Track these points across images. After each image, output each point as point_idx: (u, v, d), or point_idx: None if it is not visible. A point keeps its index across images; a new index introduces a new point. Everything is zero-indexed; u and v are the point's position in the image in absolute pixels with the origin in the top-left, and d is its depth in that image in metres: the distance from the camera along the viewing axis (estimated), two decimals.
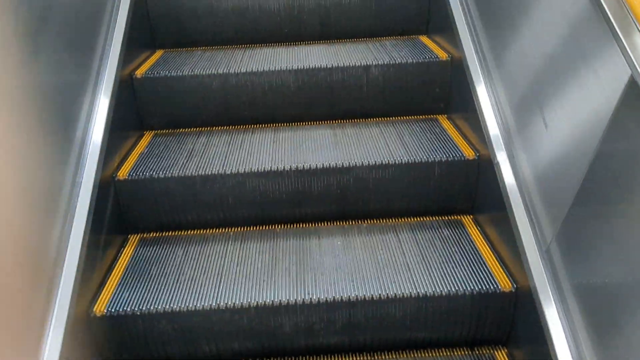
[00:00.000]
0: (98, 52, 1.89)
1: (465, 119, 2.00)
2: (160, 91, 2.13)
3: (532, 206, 1.52)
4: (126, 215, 1.88)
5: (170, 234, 1.93)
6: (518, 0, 1.71)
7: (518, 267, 1.53)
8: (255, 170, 1.86)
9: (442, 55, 2.14)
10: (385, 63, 2.13)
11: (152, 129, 2.20)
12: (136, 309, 1.56)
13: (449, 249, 1.78)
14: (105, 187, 1.75)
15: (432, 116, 2.22)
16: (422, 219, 1.95)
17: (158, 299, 1.59)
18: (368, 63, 2.13)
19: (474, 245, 1.79)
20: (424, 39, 2.44)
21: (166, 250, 1.83)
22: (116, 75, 1.91)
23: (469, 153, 1.87)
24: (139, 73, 2.11)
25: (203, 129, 2.21)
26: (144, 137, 2.15)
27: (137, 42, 2.21)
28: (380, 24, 2.47)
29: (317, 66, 2.13)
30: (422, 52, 2.21)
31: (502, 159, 1.67)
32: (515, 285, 1.57)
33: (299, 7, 2.43)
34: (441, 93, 2.18)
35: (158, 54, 2.42)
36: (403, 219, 1.95)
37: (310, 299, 1.58)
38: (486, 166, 1.79)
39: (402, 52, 2.22)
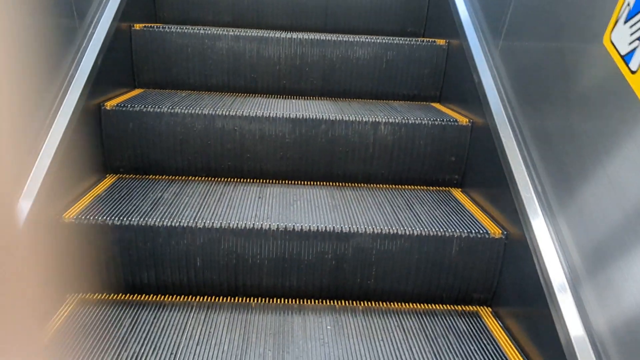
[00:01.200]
0: (60, 76, 1.57)
1: (489, 193, 1.70)
2: (132, 128, 1.80)
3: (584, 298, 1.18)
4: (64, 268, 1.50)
5: (119, 297, 1.53)
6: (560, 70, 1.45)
7: None
8: (234, 227, 1.50)
9: (462, 119, 1.86)
10: (397, 122, 1.84)
11: (117, 172, 1.86)
12: None
13: (466, 347, 1.41)
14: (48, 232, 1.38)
15: (445, 189, 1.92)
16: (431, 306, 1.59)
17: None
18: (377, 120, 1.84)
19: (496, 344, 1.43)
20: (438, 105, 2.19)
21: (112, 316, 1.43)
22: (78, 104, 1.58)
23: (494, 231, 1.54)
24: (109, 105, 1.79)
25: (176, 177, 1.87)
26: (104, 180, 1.80)
27: (112, 74, 1.91)
28: (391, 85, 2.22)
29: (318, 117, 1.83)
30: (438, 115, 1.94)
31: (544, 241, 1.34)
32: None
33: (301, 57, 2.17)
34: (457, 162, 1.89)
35: (137, 91, 2.11)
36: (408, 305, 1.59)
37: None
38: (517, 248, 1.47)
39: (415, 114, 1.94)
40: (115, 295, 1.54)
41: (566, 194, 1.30)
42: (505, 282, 1.54)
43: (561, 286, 1.25)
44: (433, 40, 2.18)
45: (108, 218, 1.48)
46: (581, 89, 1.28)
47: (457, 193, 1.88)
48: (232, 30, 2.13)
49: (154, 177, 1.86)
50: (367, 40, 2.16)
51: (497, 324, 1.52)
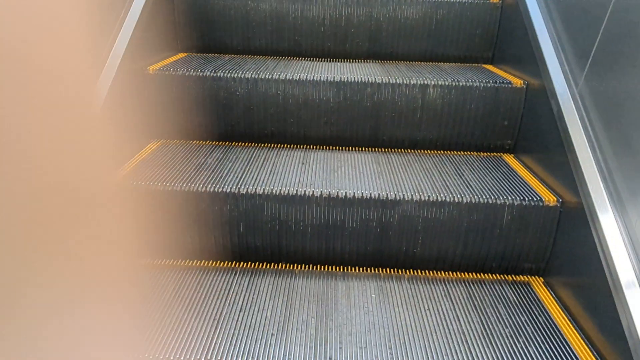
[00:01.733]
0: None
1: (544, 159, 1.61)
2: (174, 92, 1.78)
3: None
4: None
5: (162, 262, 1.54)
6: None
7: None
8: (277, 193, 1.47)
9: (516, 81, 1.76)
10: (447, 84, 1.76)
11: (160, 138, 1.85)
12: None
13: (516, 318, 1.35)
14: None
15: (496, 154, 1.83)
16: (480, 275, 1.54)
17: None
18: (426, 82, 1.76)
19: (548, 315, 1.37)
20: (490, 67, 2.08)
21: (156, 280, 1.44)
22: (120, 66, 1.57)
23: (549, 198, 1.46)
24: (153, 69, 1.77)
25: (219, 143, 1.85)
26: (148, 146, 1.79)
27: (154, 37, 1.89)
28: (441, 46, 2.12)
29: (363, 80, 1.77)
30: (490, 76, 1.84)
31: (601, 209, 1.26)
32: None
33: (347, 18, 2.09)
34: (510, 127, 1.80)
35: (180, 55, 2.09)
36: (456, 274, 1.54)
37: None
38: (573, 216, 1.39)
39: (466, 75, 1.85)
40: (159, 261, 1.54)
41: (629, 161, 1.21)
42: (559, 251, 1.46)
43: (621, 257, 1.17)
44: None
45: (153, 183, 1.48)
46: None
47: (510, 159, 1.79)
48: None
49: (197, 142, 1.85)
50: None
51: (549, 295, 1.45)
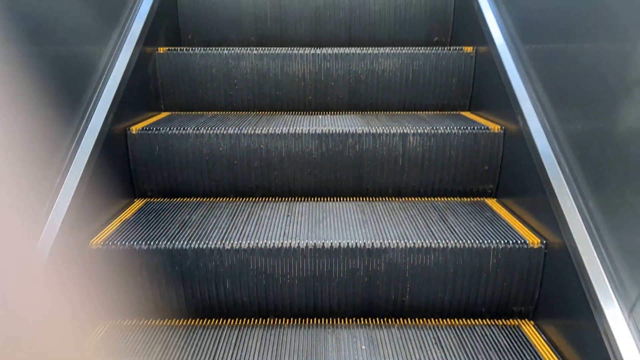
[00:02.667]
0: (83, 103, 1.58)
1: (526, 202, 1.63)
2: (158, 151, 1.80)
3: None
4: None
5: (150, 322, 1.51)
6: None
7: None
8: (262, 247, 1.47)
9: (494, 127, 1.80)
10: (426, 132, 1.79)
11: (145, 196, 1.85)
12: None
13: None
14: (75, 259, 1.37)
15: (479, 199, 1.85)
16: (470, 321, 1.52)
17: None
18: (406, 131, 1.79)
19: (540, 359, 1.35)
20: (467, 113, 2.13)
21: (143, 342, 1.41)
22: (103, 129, 1.58)
23: (533, 240, 1.47)
24: (135, 129, 1.79)
25: (204, 199, 1.85)
26: (133, 205, 1.79)
27: (136, 98, 1.92)
28: (418, 96, 2.17)
29: (345, 131, 1.79)
30: (468, 123, 1.88)
31: (584, 249, 1.27)
32: None
33: (326, 72, 2.14)
34: (491, 171, 1.82)
35: (163, 114, 2.12)
36: (446, 320, 1.52)
37: None
38: (557, 257, 1.39)
39: (445, 123, 1.89)
40: (146, 321, 1.52)
41: (608, 200, 1.23)
42: (546, 293, 1.46)
43: (606, 296, 1.17)
44: (460, 47, 2.13)
45: (135, 243, 1.47)
46: (624, 91, 1.21)
47: (492, 203, 1.81)
48: (256, 49, 2.12)
49: (181, 199, 1.85)
50: (392, 51, 2.12)
51: (540, 338, 1.44)
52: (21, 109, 1.23)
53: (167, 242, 1.47)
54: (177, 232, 1.54)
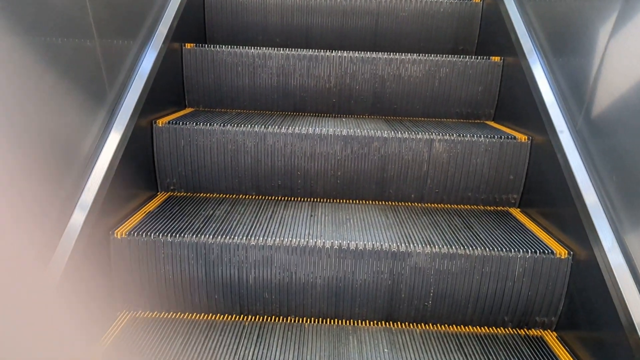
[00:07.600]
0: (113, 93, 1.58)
1: (552, 212, 1.62)
2: (183, 145, 1.80)
3: None
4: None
5: (171, 315, 1.50)
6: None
7: None
8: (287, 244, 1.46)
9: (521, 137, 1.79)
10: (452, 139, 1.78)
11: (168, 190, 1.85)
12: None
13: None
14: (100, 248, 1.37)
15: (502, 208, 1.84)
16: (493, 329, 1.51)
17: None
18: (431, 137, 1.78)
19: None
20: (492, 123, 2.12)
21: (163, 335, 1.40)
22: (130, 122, 1.58)
23: (559, 251, 1.46)
24: (161, 122, 1.79)
25: (227, 195, 1.85)
26: (156, 198, 1.79)
27: (163, 92, 1.92)
28: (444, 104, 2.16)
29: (370, 134, 1.79)
30: (494, 132, 1.87)
31: (616, 263, 1.26)
32: None
33: (352, 75, 2.14)
34: (516, 181, 1.81)
35: (187, 110, 2.12)
36: (469, 328, 1.51)
37: None
38: (585, 269, 1.38)
39: (471, 131, 1.88)
40: (167, 314, 1.51)
41: (638, 210, 1.22)
42: (571, 305, 1.45)
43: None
44: (487, 57, 2.13)
45: (161, 235, 1.46)
46: None
47: (516, 212, 1.80)
48: (282, 50, 2.12)
49: (204, 194, 1.85)
50: (419, 57, 2.12)
51: (564, 350, 1.42)
52: (54, 100, 1.23)
53: (192, 235, 1.47)
54: (202, 226, 1.54)
